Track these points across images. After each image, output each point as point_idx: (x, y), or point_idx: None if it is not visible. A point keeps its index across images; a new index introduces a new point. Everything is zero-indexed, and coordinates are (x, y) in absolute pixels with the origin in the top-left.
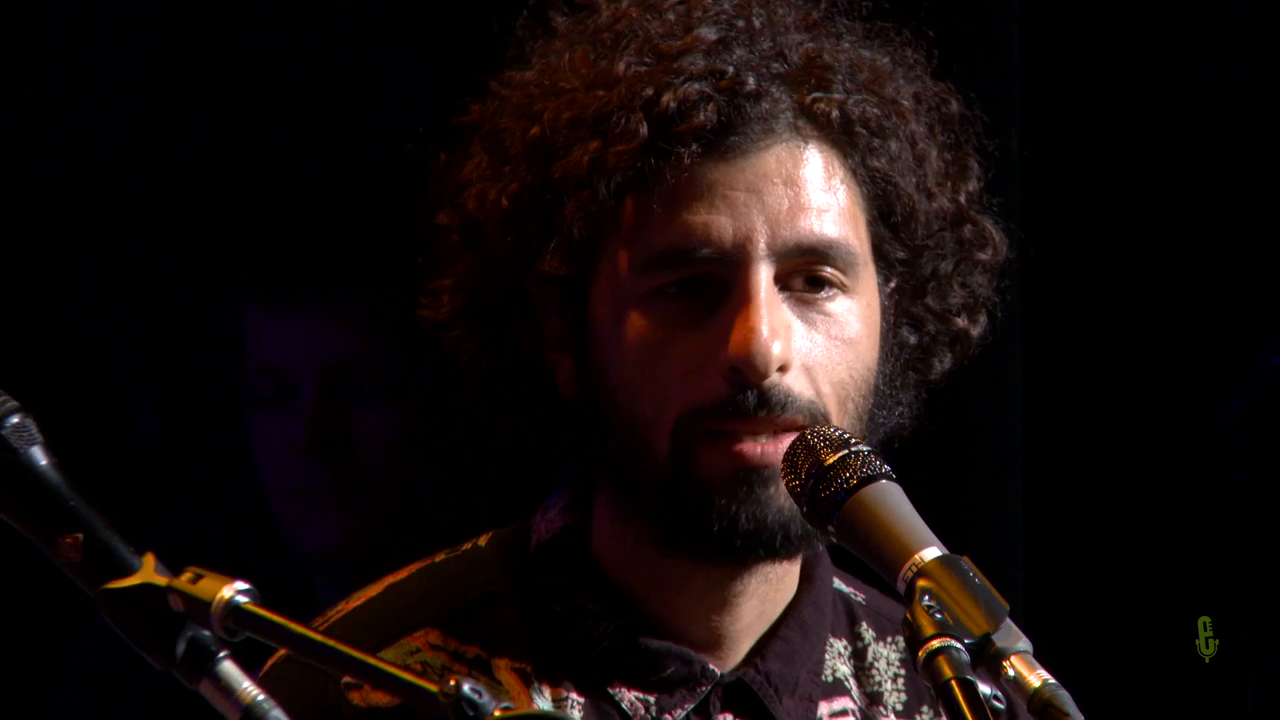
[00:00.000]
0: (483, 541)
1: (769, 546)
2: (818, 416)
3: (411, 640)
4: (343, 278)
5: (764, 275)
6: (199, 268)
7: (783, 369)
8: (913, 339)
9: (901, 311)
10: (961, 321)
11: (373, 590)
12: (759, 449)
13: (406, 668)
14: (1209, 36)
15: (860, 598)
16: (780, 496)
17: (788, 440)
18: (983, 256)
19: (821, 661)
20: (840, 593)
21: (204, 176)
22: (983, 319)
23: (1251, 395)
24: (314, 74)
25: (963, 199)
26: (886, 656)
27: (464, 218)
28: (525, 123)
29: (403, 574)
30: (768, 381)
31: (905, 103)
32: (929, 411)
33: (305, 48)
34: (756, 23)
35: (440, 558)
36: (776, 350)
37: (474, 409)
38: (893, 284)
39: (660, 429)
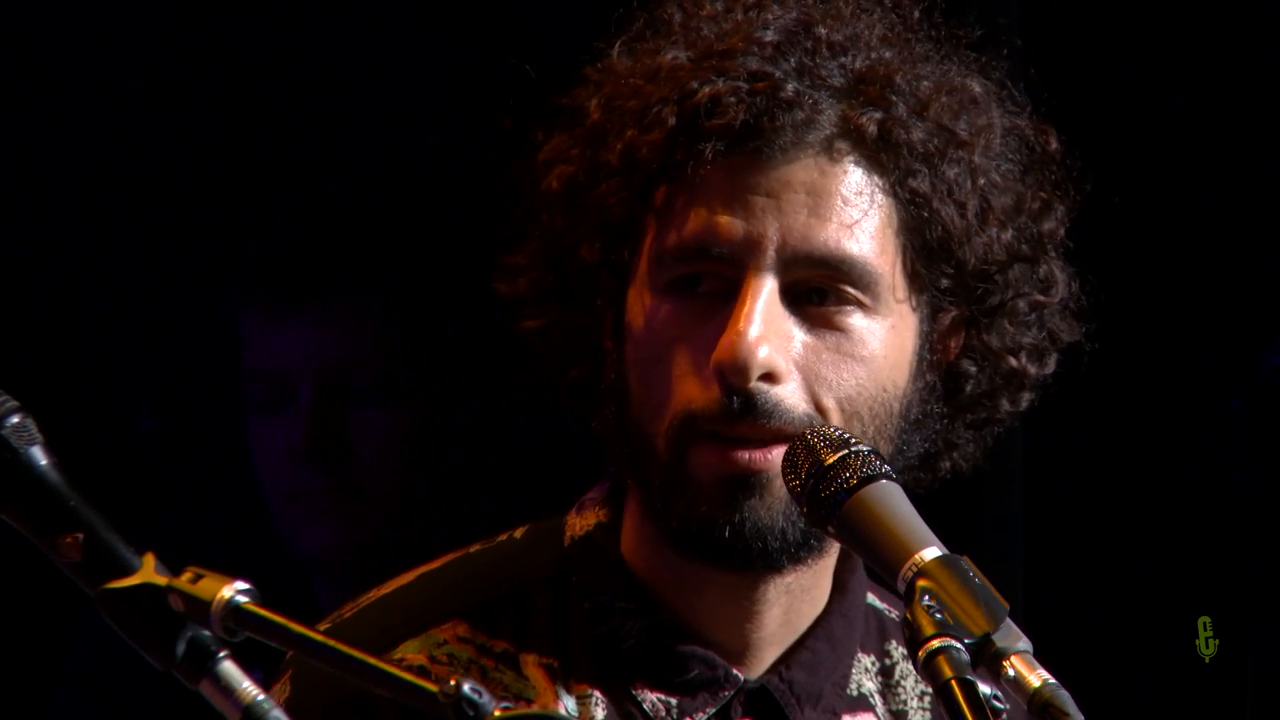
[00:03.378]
0: (518, 534)
1: (744, 557)
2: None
3: (439, 632)
4: (338, 282)
5: (766, 282)
6: (196, 271)
7: (771, 378)
8: (972, 369)
9: (961, 345)
10: (1015, 361)
11: (405, 579)
12: (746, 456)
13: (433, 660)
14: (1209, 37)
15: (894, 614)
16: (763, 508)
17: (777, 450)
18: (1040, 298)
19: (848, 675)
20: (874, 608)
21: (200, 181)
22: (1050, 362)
23: (1251, 395)
24: (310, 80)
25: (1030, 237)
26: (915, 675)
27: (536, 197)
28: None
29: (436, 564)
30: (755, 388)
31: (964, 131)
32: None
33: (300, 54)
34: (822, 31)
35: (475, 548)
36: (761, 355)
37: (541, 389)
38: (951, 314)
39: (659, 427)
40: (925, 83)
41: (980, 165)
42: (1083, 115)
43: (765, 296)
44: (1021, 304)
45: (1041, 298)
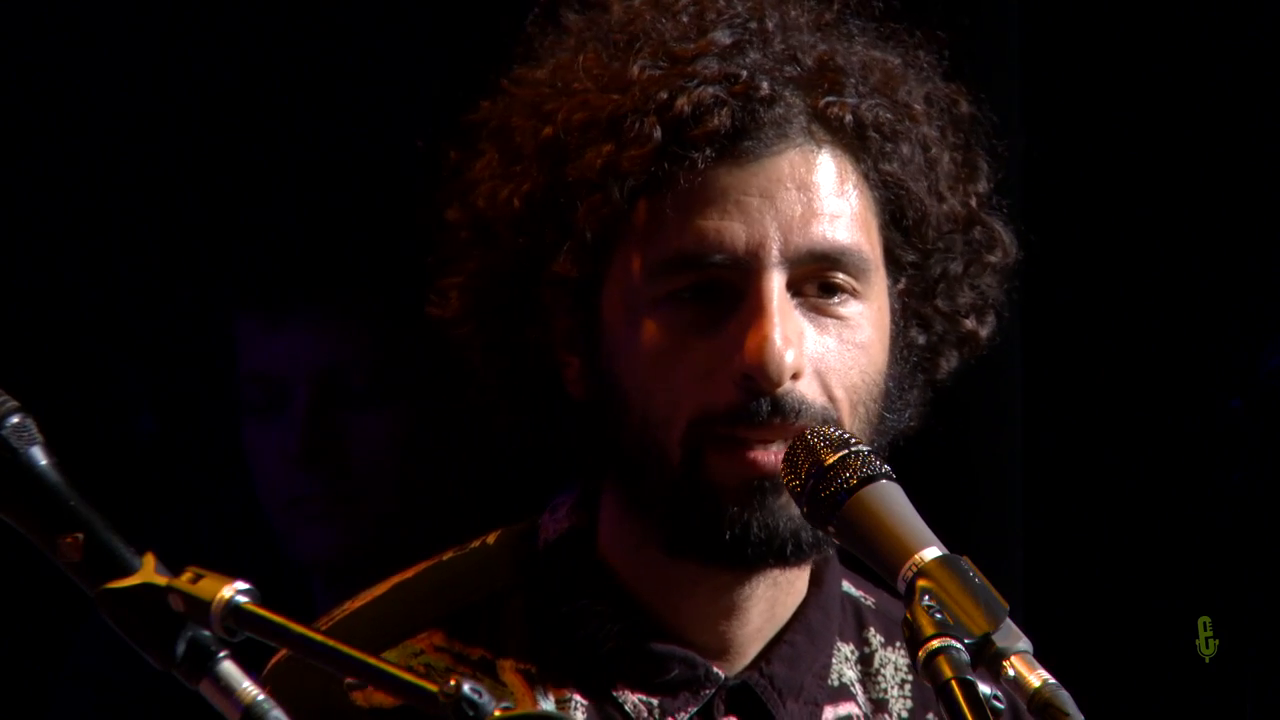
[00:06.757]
0: (491, 540)
1: (780, 554)
2: (830, 422)
3: (415, 642)
4: (333, 285)
5: (776, 282)
6: (195, 272)
7: (795, 376)
8: (921, 339)
9: (910, 312)
10: (970, 323)
11: (379, 589)
12: (771, 456)
13: (408, 669)
14: (1209, 37)
15: (870, 601)
16: (791, 504)
17: None
18: (992, 258)
19: (828, 666)
20: (849, 596)
21: (196, 185)
22: (991, 320)
23: (1251, 395)
24: (305, 85)
25: (972, 201)
26: (894, 662)
27: (474, 216)
28: (536, 122)
29: (409, 573)
30: (781, 389)
31: (917, 105)
32: (930, 411)
33: (297, 59)
34: (769, 24)
35: (448, 555)
36: (790, 359)
37: (484, 406)
38: (901, 285)
39: (672, 433)
40: (859, 60)
41: (929, 136)
42: (1082, 115)
43: (779, 297)
44: (970, 268)
45: (992, 258)
